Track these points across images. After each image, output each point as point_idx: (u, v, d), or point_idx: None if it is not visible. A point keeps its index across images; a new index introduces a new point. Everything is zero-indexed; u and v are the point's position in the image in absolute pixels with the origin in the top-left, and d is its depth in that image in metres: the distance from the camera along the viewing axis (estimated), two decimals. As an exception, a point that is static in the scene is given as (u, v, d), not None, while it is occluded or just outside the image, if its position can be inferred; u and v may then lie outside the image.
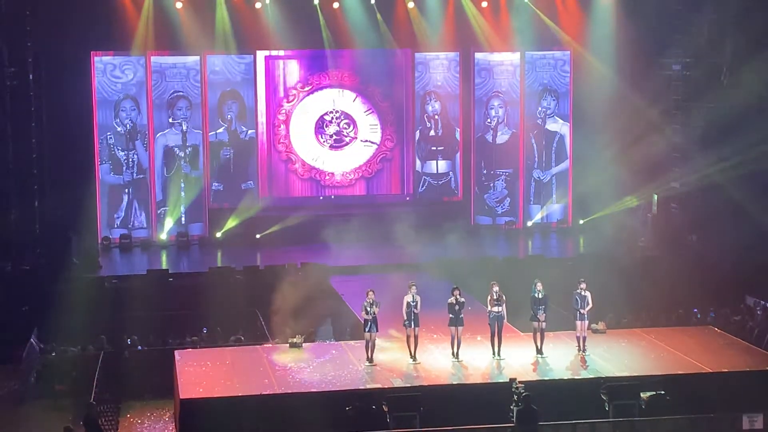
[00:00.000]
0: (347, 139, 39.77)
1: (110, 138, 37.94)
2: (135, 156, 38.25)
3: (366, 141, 39.88)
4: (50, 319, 29.13)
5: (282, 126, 39.33)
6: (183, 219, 38.78)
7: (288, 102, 39.33)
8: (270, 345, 26.99)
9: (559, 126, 40.78)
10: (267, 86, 39.12)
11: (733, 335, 27.34)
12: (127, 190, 38.32)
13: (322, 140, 39.63)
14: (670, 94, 37.94)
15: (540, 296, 25.11)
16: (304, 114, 39.50)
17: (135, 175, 38.35)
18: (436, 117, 40.29)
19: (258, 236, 37.77)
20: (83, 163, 36.75)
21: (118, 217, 38.19)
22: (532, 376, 23.85)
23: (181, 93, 38.51)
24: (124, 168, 38.18)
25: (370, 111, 39.87)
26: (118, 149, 38.10)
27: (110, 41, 37.19)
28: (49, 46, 34.90)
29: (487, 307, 25.14)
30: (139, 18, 37.21)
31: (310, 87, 39.44)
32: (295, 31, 38.04)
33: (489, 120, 40.54)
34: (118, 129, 38.04)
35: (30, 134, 34.63)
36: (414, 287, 24.77)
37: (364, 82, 39.73)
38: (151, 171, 38.35)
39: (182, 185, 38.72)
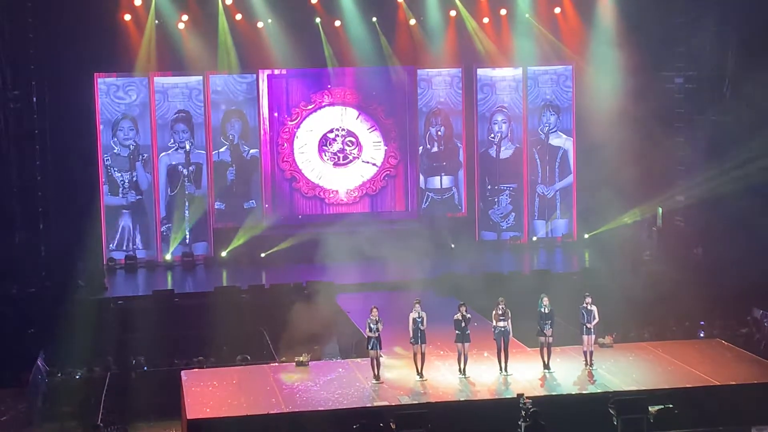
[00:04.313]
0: (350, 158, 39.80)
1: (107, 160, 37.96)
2: (134, 177, 38.26)
3: (368, 162, 39.88)
4: (56, 341, 29.12)
5: (285, 144, 39.37)
6: (187, 239, 38.78)
7: (291, 120, 39.38)
8: (276, 364, 26.97)
9: (562, 141, 40.77)
10: (270, 105, 39.16)
11: (741, 348, 27.30)
12: (125, 212, 38.29)
13: (325, 158, 39.67)
14: (672, 108, 37.97)
15: (546, 311, 25.11)
16: (307, 132, 39.53)
17: (135, 196, 38.31)
18: (440, 133, 40.31)
19: (263, 255, 37.74)
20: (87, 184, 36.76)
21: (112, 240, 38.11)
22: (540, 392, 23.84)
23: (184, 113, 38.58)
24: (121, 189, 38.15)
25: (373, 128, 39.91)
26: (114, 170, 38.12)
27: (113, 62, 37.23)
28: (52, 68, 34.99)
29: (492, 322, 25.14)
30: (142, 39, 37.30)
31: (312, 105, 39.49)
32: (296, 50, 38.12)
33: (492, 135, 40.56)
34: (115, 149, 38.05)
35: (34, 156, 34.70)
36: (419, 304, 24.77)
37: (367, 100, 39.76)
38: (155, 191, 38.37)
39: (186, 205, 38.73)
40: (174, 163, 38.60)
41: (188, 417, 22.88)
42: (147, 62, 37.50)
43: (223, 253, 38.27)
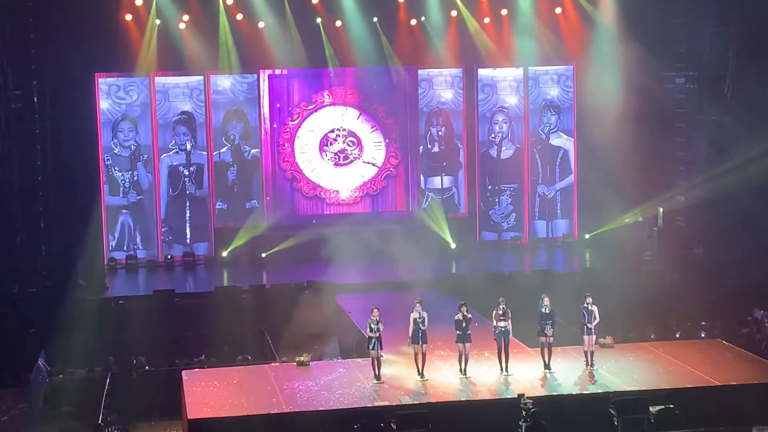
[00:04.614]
0: (351, 158, 39.80)
1: (107, 160, 37.97)
2: (135, 177, 38.27)
3: (369, 162, 39.89)
4: (57, 341, 29.12)
5: (286, 144, 39.38)
6: (188, 239, 38.79)
7: (292, 121, 39.38)
8: (277, 364, 26.98)
9: (563, 141, 40.78)
10: (271, 105, 39.17)
11: (741, 348, 27.30)
12: (126, 212, 38.30)
13: (325, 158, 39.66)
14: (673, 108, 37.96)
15: (547, 311, 25.11)
16: (308, 132, 39.54)
17: (136, 196, 38.33)
18: (440, 133, 40.30)
19: (264, 255, 37.73)
20: (88, 185, 36.75)
21: (113, 240, 38.14)
22: (541, 392, 23.85)
23: (185, 113, 38.59)
24: (122, 189, 38.14)
25: (374, 128, 39.91)
26: (115, 170, 38.14)
27: (114, 62, 37.25)
28: (53, 68, 34.99)
29: (493, 322, 25.15)
30: (143, 39, 37.30)
31: (313, 105, 39.49)
32: (297, 50, 38.12)
33: (493, 135, 40.55)
34: (116, 150, 38.07)
35: (35, 157, 34.69)
36: (420, 304, 24.78)
37: (368, 100, 39.76)
38: (156, 191, 38.37)
39: (187, 205, 38.75)
40: (175, 164, 38.61)
41: (189, 417, 22.88)
42: (148, 62, 37.50)
43: (224, 253, 38.26)
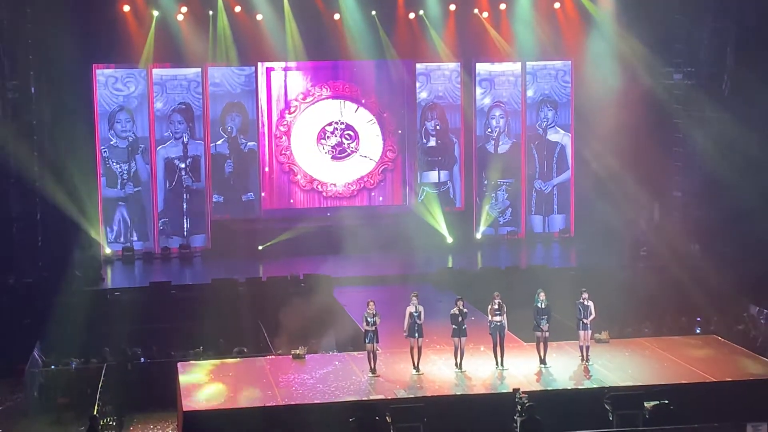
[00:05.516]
0: (348, 151, 39.78)
1: (104, 152, 37.95)
2: (134, 169, 38.25)
3: (366, 155, 39.85)
4: (53, 332, 29.13)
5: (284, 137, 39.36)
6: (185, 231, 38.78)
7: (290, 113, 39.36)
8: (273, 356, 26.97)
9: (560, 136, 40.78)
10: (268, 98, 39.15)
11: (737, 344, 27.32)
12: (123, 204, 38.29)
13: (323, 151, 39.64)
14: (671, 104, 37.96)
15: (543, 306, 25.11)
16: (306, 125, 39.51)
17: (133, 188, 38.31)
18: (438, 128, 40.29)
19: (260, 247, 37.73)
20: (85, 176, 36.71)
21: (111, 231, 38.13)
22: (536, 387, 23.85)
23: (182, 105, 38.55)
24: (119, 181, 38.14)
25: (372, 122, 39.88)
26: (112, 162, 38.12)
27: (112, 54, 37.26)
28: (50, 59, 34.94)
29: (488, 316, 25.17)
30: (141, 31, 37.26)
31: (311, 98, 39.47)
32: (296, 43, 38.09)
33: (490, 130, 40.55)
34: (112, 141, 38.05)
35: (32, 147, 34.66)
36: (416, 298, 24.78)
37: (366, 93, 39.74)
38: (153, 183, 38.37)
39: (184, 197, 38.73)
40: (171, 156, 38.57)
41: (184, 409, 22.89)
42: (146, 54, 37.47)
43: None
